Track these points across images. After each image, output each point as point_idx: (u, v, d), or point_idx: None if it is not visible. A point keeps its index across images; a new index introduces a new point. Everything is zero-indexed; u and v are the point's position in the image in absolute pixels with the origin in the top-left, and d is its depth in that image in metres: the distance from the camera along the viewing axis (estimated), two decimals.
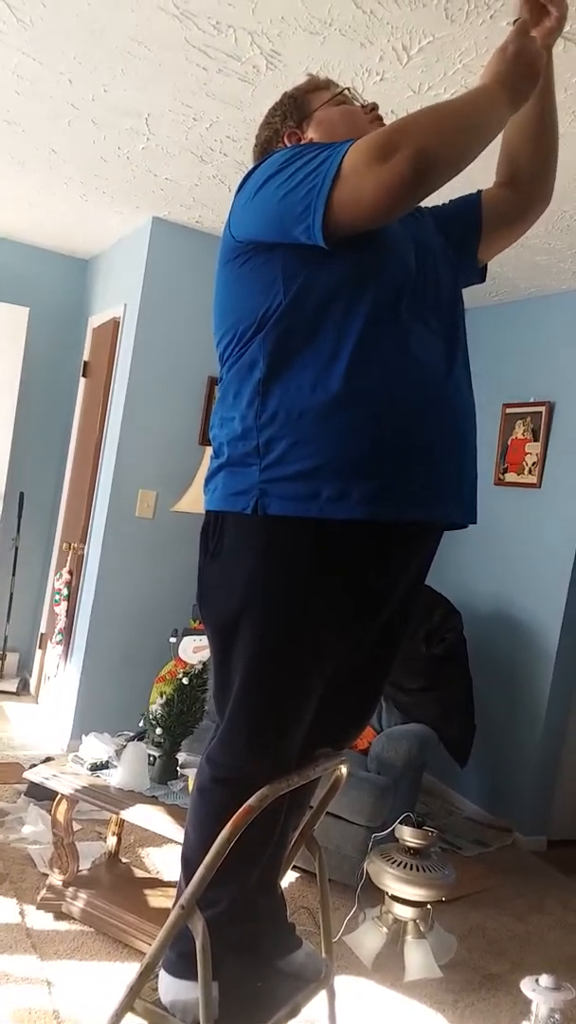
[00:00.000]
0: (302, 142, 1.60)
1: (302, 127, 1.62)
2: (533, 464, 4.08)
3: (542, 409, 4.04)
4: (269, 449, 1.43)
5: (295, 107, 1.64)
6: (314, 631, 1.47)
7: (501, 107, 1.39)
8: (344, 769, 1.77)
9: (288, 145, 1.60)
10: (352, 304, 1.42)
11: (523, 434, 4.15)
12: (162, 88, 2.66)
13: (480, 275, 1.75)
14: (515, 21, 1.45)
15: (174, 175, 3.41)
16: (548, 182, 1.66)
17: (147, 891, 2.69)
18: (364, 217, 1.35)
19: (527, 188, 1.66)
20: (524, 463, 4.13)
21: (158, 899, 2.64)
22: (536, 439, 4.07)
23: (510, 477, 4.19)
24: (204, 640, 2.67)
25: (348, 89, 1.66)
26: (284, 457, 1.41)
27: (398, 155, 1.28)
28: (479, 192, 1.68)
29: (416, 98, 2.50)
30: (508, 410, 4.22)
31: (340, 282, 1.43)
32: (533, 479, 4.06)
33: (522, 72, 1.39)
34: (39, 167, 3.55)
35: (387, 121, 1.63)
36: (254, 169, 1.50)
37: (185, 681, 2.66)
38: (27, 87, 2.79)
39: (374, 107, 1.64)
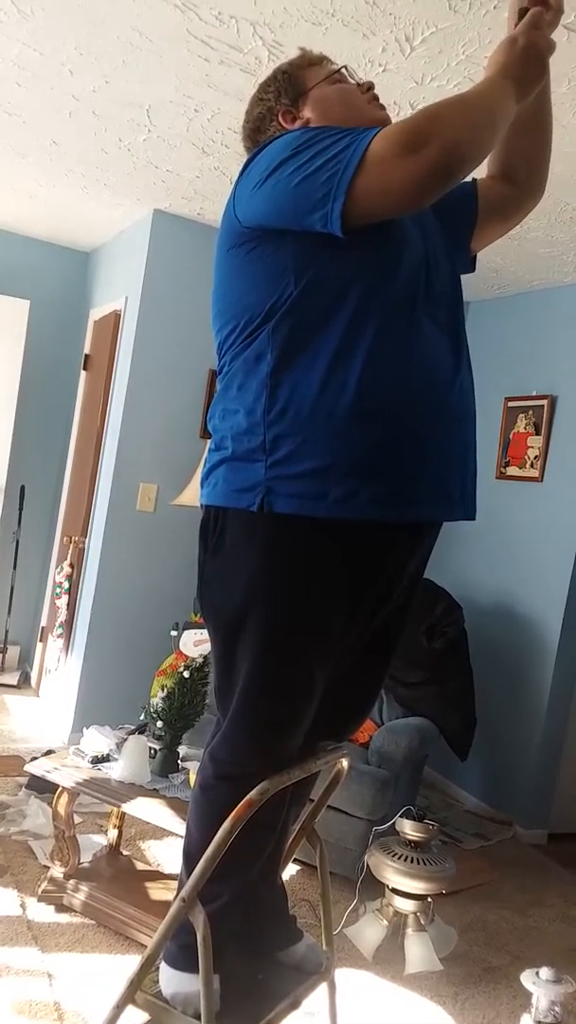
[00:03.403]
0: (297, 121, 1.57)
1: (297, 105, 1.58)
2: (535, 458, 4.07)
3: (544, 403, 4.03)
4: (276, 446, 1.39)
5: (289, 84, 1.58)
6: (318, 628, 1.45)
7: (512, 101, 1.37)
8: (345, 762, 1.77)
9: (284, 124, 1.57)
10: (367, 299, 1.39)
11: (525, 428, 4.14)
12: (164, 79, 2.65)
13: (471, 265, 1.72)
14: (518, 11, 1.44)
15: (175, 167, 3.40)
16: (544, 175, 1.65)
17: (148, 884, 2.69)
18: (388, 207, 1.32)
19: (523, 181, 1.64)
20: (526, 457, 4.12)
21: (159, 892, 2.64)
22: (538, 433, 4.06)
23: (512, 471, 4.19)
24: (205, 634, 2.67)
25: (344, 68, 1.61)
26: (292, 455, 1.38)
27: (430, 146, 1.25)
28: (474, 181, 1.64)
29: (419, 89, 2.49)
30: (510, 403, 4.22)
31: (355, 275, 1.39)
32: (535, 473, 4.06)
33: (532, 67, 1.38)
34: (40, 159, 3.53)
35: (387, 110, 1.62)
36: (259, 151, 1.45)
37: (186, 675, 2.67)
38: (28, 78, 2.78)
39: (370, 86, 1.60)
